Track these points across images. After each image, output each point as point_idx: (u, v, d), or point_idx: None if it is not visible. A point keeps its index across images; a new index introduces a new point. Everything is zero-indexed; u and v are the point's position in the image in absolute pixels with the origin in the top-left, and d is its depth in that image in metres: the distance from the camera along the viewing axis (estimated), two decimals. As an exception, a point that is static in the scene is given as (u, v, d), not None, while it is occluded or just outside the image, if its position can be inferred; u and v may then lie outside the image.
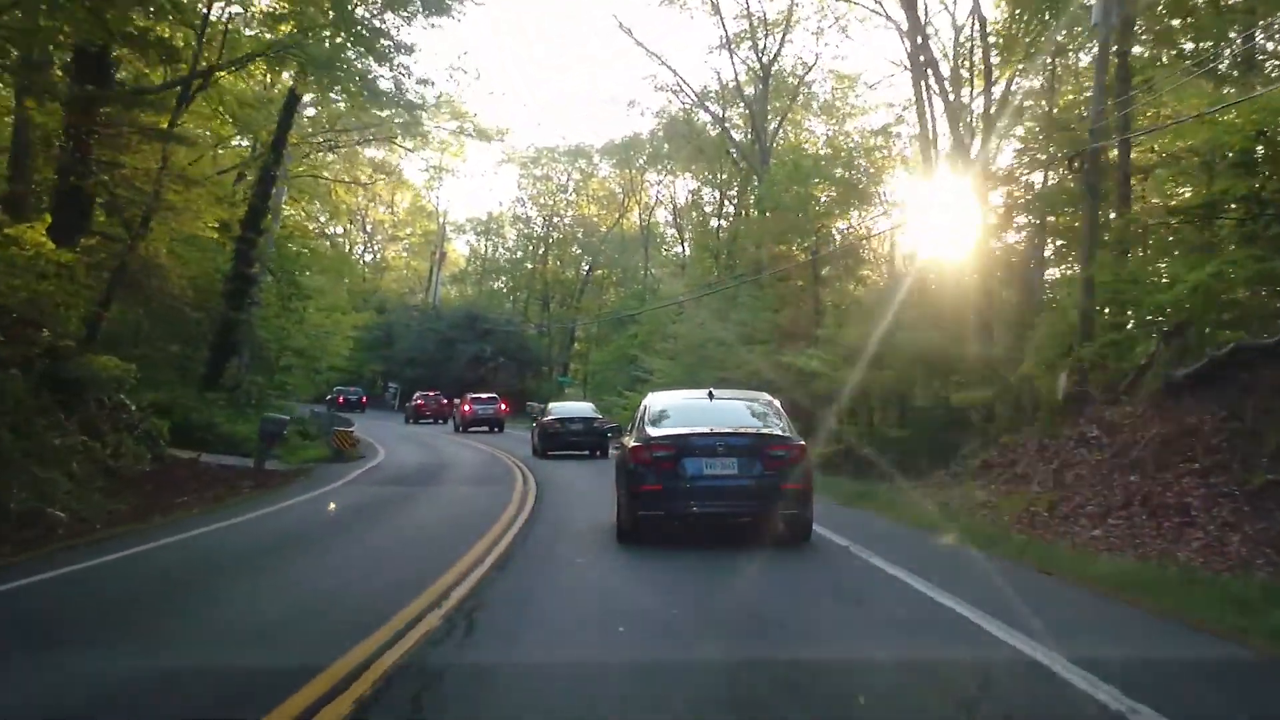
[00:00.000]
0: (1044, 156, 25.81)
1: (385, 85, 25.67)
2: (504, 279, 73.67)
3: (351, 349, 45.96)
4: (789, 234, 36.56)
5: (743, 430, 10.55)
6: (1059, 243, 26.47)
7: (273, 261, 29.20)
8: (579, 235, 72.36)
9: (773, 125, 42.33)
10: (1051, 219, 25.99)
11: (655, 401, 11.64)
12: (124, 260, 18.40)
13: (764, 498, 10.10)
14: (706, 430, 10.31)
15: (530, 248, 73.54)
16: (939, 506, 13.93)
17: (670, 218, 65.75)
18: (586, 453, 26.04)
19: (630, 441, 10.95)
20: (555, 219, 72.98)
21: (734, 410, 11.35)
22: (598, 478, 17.94)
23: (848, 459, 25.99)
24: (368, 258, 77.96)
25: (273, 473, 19.29)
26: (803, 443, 10.53)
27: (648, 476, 10.14)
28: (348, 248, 76.47)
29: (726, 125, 43.55)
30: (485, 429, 40.19)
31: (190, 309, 28.78)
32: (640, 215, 67.95)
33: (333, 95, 35.38)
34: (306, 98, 35.68)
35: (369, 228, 76.95)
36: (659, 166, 61.35)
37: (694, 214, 55.21)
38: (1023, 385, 21.72)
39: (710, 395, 11.62)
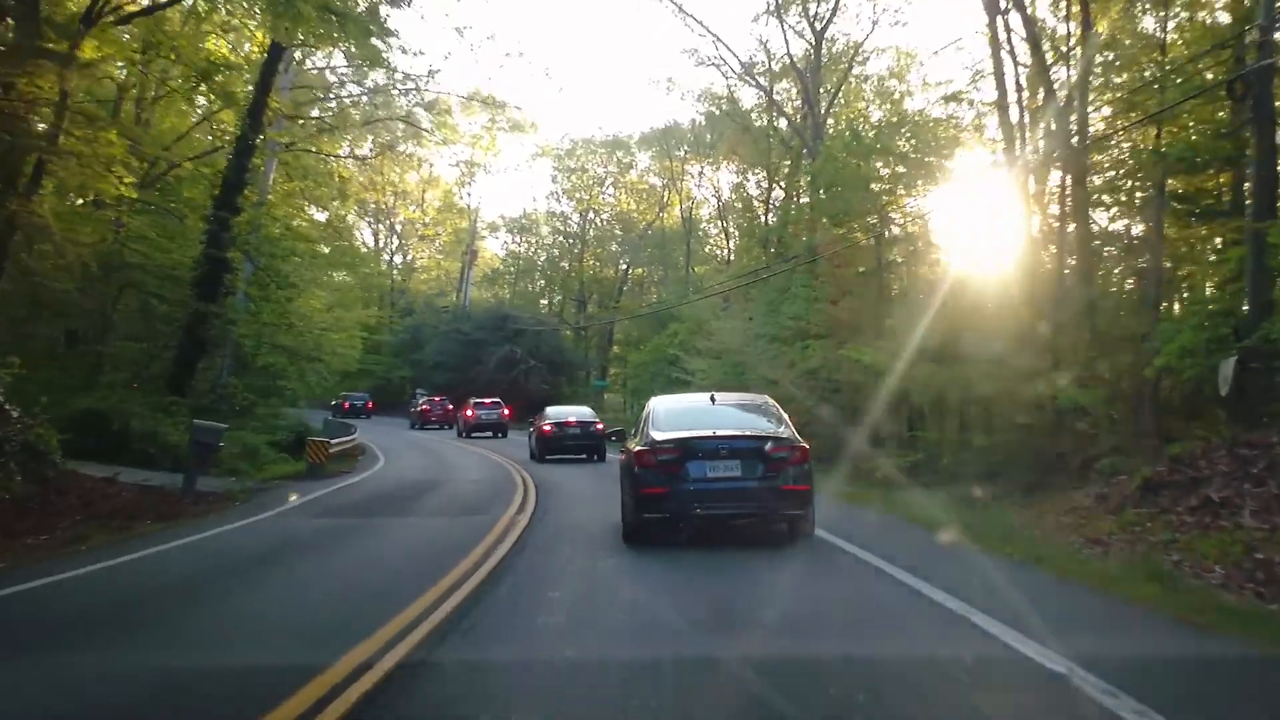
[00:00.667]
0: (1158, 106, 21.23)
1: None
2: (539, 278, 69.74)
3: (361, 350, 41.92)
4: (847, 215, 32.15)
5: (745, 433, 10.69)
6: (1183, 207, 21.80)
7: (250, 246, 25.32)
8: (616, 232, 68.32)
9: (826, 101, 37.95)
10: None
11: (659, 405, 11.75)
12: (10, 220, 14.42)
13: (767, 499, 10.25)
14: (709, 433, 10.43)
15: (566, 245, 69.59)
16: (1092, 547, 9.65)
17: (713, 210, 61.67)
18: (584, 457, 25.74)
19: (635, 445, 11.01)
20: (591, 214, 69.01)
21: (736, 413, 11.54)
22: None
23: (925, 471, 21.76)
24: (398, 259, 74.58)
25: (203, 494, 15.32)
26: (804, 445, 10.60)
27: (652, 479, 10.28)
28: (376, 247, 73.15)
29: (775, 99, 39.20)
30: (489, 434, 39.26)
31: (158, 300, 25.29)
32: (682, 207, 63.74)
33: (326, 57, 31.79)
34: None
35: (398, 227, 73.49)
36: (701, 154, 57.11)
37: (738, 203, 50.88)
38: (1139, 382, 17.33)
39: (713, 399, 11.83)
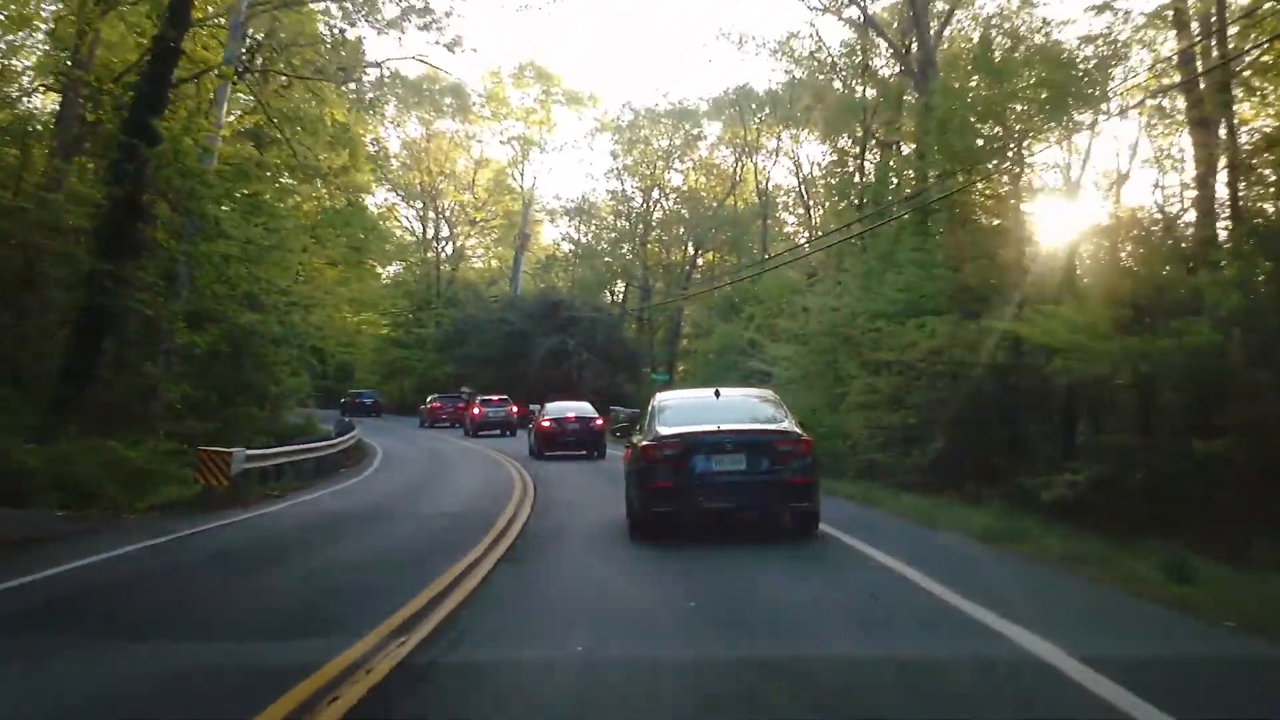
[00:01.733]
0: None
1: None
2: (599, 264, 62.95)
3: (378, 337, 35.82)
4: (970, 156, 24.85)
5: (750, 427, 10.75)
6: None
7: (172, 184, 18.79)
8: (684, 214, 61.23)
9: (938, 23, 30.54)
10: None
11: (664, 401, 11.87)
12: None
13: (772, 492, 10.38)
14: (714, 428, 10.49)
15: (628, 228, 62.76)
16: None
17: (792, 186, 54.38)
18: (584, 453, 25.29)
19: (641, 440, 11.09)
20: (656, 193, 62.03)
21: (740, 407, 11.62)
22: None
23: (1120, 498, 14.72)
24: (447, 249, 68.44)
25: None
26: (809, 437, 10.75)
27: (658, 474, 10.42)
28: (423, 235, 67.15)
29: (871, 17, 31.88)
30: (496, 433, 37.70)
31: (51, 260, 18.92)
32: (757, 180, 56.54)
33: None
34: None
35: (446, 212, 67.37)
36: (779, 118, 49.86)
37: (825, 168, 43.61)
38: None
39: (717, 393, 11.87)
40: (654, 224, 61.88)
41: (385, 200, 65.75)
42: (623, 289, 63.98)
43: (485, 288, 62.84)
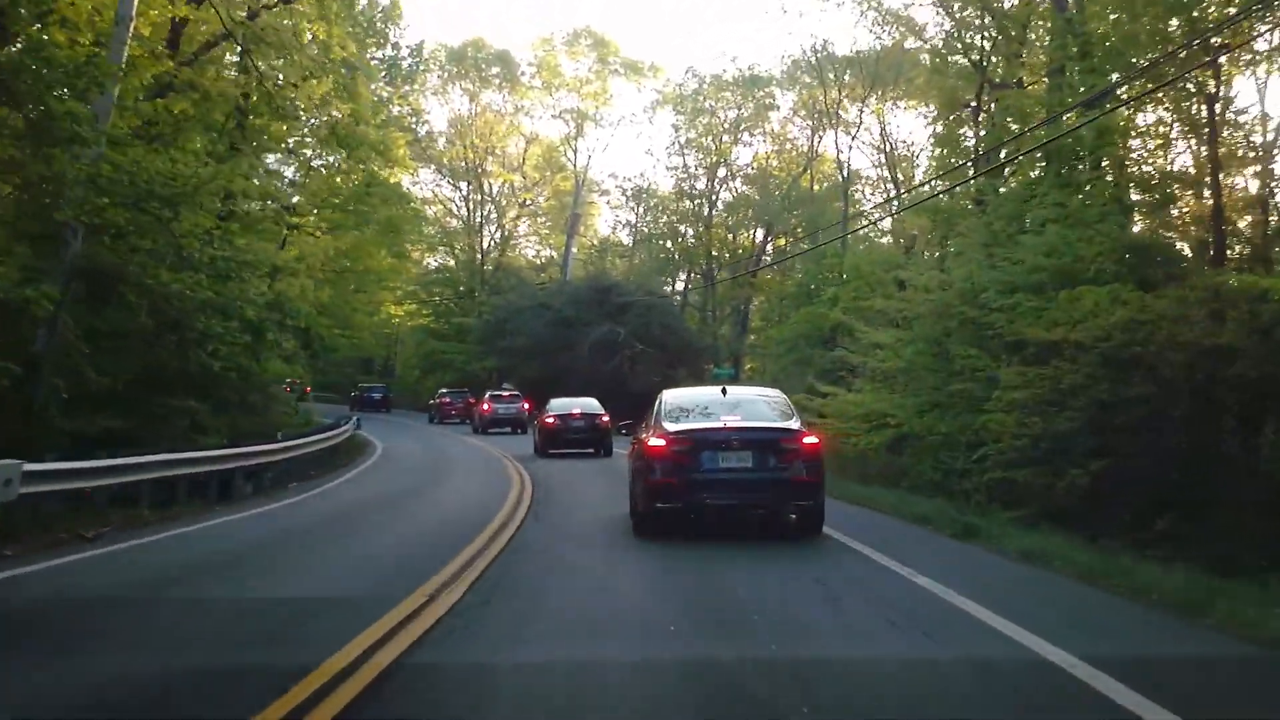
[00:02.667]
0: None
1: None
2: (656, 249, 57.10)
3: (378, 313, 30.54)
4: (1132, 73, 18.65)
5: (757, 425, 10.69)
6: None
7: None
8: (753, 196, 55.13)
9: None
10: None
11: (671, 398, 11.77)
12: None
13: (778, 490, 10.39)
14: (721, 425, 10.53)
15: (690, 210, 56.83)
16: None
17: (877, 161, 48.07)
18: (591, 450, 24.43)
19: (647, 437, 11.03)
20: (722, 171, 56.01)
21: (747, 405, 11.45)
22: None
23: None
24: (495, 235, 63.07)
25: None
26: (816, 437, 10.61)
27: (665, 470, 10.36)
28: (467, 217, 61.86)
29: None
30: (507, 430, 35.67)
31: None
32: (837, 145, 50.30)
33: None
34: None
35: (494, 194, 62.00)
36: (862, 75, 43.49)
37: (929, 121, 37.18)
38: None
39: (724, 391, 11.74)
40: (719, 205, 55.93)
41: (422, 178, 60.80)
42: (684, 279, 58.11)
43: (533, 275, 57.25)
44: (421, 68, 54.85)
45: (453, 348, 56.15)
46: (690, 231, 56.57)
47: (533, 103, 59.66)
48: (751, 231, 55.47)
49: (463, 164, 59.75)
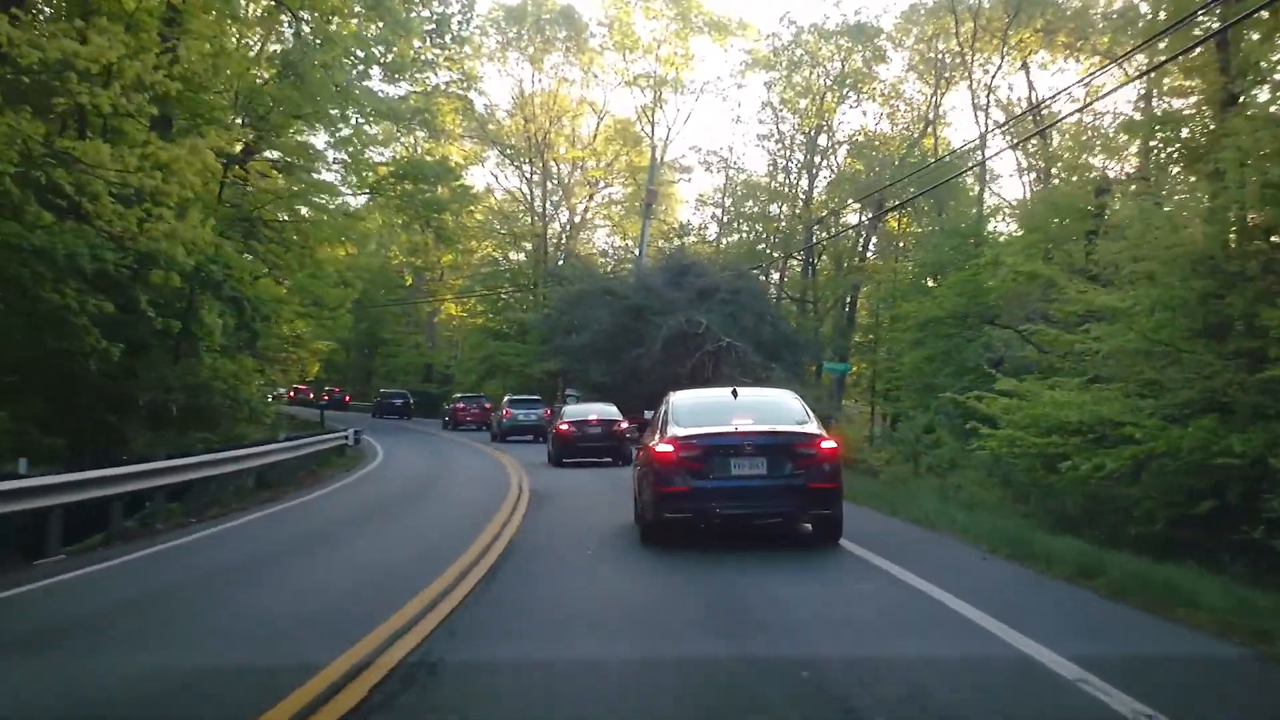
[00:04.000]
0: None
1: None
2: (749, 231, 48.95)
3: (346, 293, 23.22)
4: None
5: (771, 428, 10.06)
6: None
7: None
8: (862, 173, 46.76)
9: None
10: None
11: (678, 401, 11.14)
12: None
13: (794, 498, 9.89)
14: (732, 429, 9.97)
15: (787, 185, 48.66)
16: None
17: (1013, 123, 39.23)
18: (609, 460, 22.69)
19: (653, 443, 10.54)
20: (824, 140, 47.76)
21: (760, 407, 10.89)
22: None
23: None
24: (564, 220, 55.66)
25: None
26: (834, 442, 10.04)
27: (673, 478, 9.90)
28: (529, 200, 54.51)
29: None
30: (528, 438, 32.05)
31: None
32: (972, 94, 41.46)
33: None
34: None
35: (560, 173, 54.48)
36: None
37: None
38: None
39: (734, 393, 11.15)
40: (820, 180, 47.69)
41: (480, 159, 53.77)
42: (778, 265, 49.72)
43: (604, 262, 49.52)
44: (474, 28, 47.73)
45: (512, 348, 48.89)
46: (785, 210, 48.39)
47: (603, 69, 52.17)
48: (860, 210, 46.95)
49: (525, 140, 52.50)
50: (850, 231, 47.97)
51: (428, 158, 44.46)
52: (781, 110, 47.30)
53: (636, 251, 48.49)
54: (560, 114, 52.77)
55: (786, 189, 48.63)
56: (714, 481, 9.74)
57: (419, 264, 60.62)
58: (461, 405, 43.72)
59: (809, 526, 10.53)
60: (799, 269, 48.45)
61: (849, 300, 46.02)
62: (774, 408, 10.99)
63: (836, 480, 9.96)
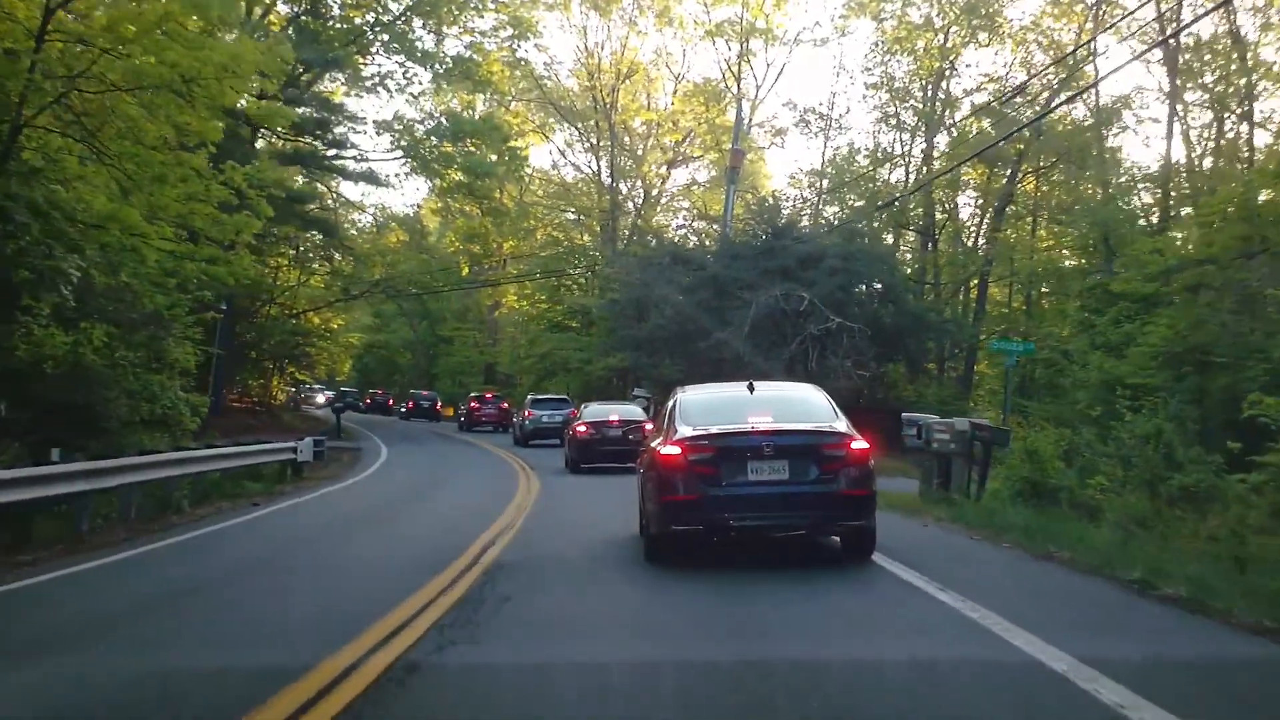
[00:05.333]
0: None
1: None
2: (853, 200, 40.92)
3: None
4: None
5: (794, 427, 8.92)
6: None
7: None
8: (983, 126, 38.59)
9: None
10: None
11: (688, 397, 9.98)
12: None
13: (821, 507, 8.68)
14: (749, 428, 8.83)
15: (899, 145, 40.76)
16: None
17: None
18: (632, 465, 17.74)
19: (659, 445, 9.29)
20: (943, 90, 39.73)
21: (780, 403, 9.74)
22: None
23: None
24: (636, 192, 48.32)
25: None
26: (866, 442, 8.83)
27: (681, 485, 8.68)
28: (595, 171, 47.46)
29: None
30: (554, 442, 26.49)
31: None
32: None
33: None
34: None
35: (622, 136, 47.22)
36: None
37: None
38: None
39: (750, 387, 10.02)
40: (941, 140, 39.64)
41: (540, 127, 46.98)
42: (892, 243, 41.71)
43: (678, 238, 41.97)
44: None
45: (573, 340, 41.92)
46: (898, 177, 40.52)
47: (681, 19, 44.87)
48: (989, 172, 38.82)
49: (590, 102, 45.49)
50: (976, 199, 40.12)
51: (468, 114, 37.85)
52: (895, 54, 39.35)
53: (719, 227, 40.88)
54: (631, 71, 45.62)
55: (899, 150, 40.71)
56: (728, 488, 8.55)
57: (477, 250, 54.26)
58: (476, 405, 41.05)
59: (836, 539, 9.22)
60: (913, 244, 40.45)
61: (977, 281, 37.97)
62: (796, 404, 9.73)
63: (869, 486, 8.77)
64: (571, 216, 50.23)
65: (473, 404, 41.53)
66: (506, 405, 40.27)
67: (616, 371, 38.16)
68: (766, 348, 25.42)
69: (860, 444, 8.79)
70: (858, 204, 38.06)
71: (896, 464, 26.02)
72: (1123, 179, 34.99)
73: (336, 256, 41.83)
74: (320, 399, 59.23)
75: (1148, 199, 32.29)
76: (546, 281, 46.05)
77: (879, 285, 26.54)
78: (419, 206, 58.72)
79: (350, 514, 13.71)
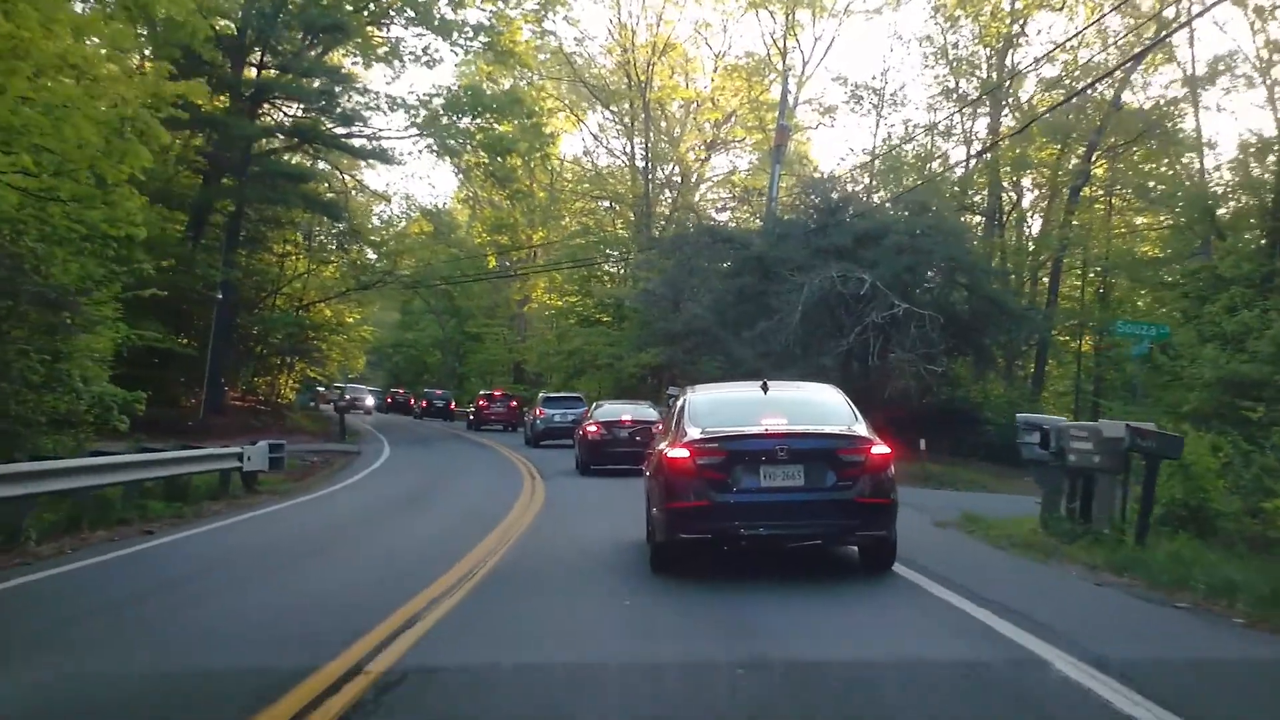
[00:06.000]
0: None
1: None
2: (908, 179, 37.30)
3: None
4: None
5: (810, 430, 8.36)
6: None
7: None
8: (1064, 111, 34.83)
9: None
10: None
11: (698, 397, 9.33)
12: None
13: (838, 515, 8.12)
14: (762, 430, 8.24)
15: (961, 124, 37.15)
16: None
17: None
18: (642, 467, 15.93)
19: (666, 447, 8.71)
20: (1015, 46, 36.10)
21: (795, 404, 9.17)
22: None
23: None
24: (674, 175, 44.96)
25: None
26: (886, 447, 8.35)
27: (689, 491, 8.10)
28: (629, 152, 44.27)
29: None
30: (568, 442, 24.41)
31: None
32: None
33: None
34: None
35: (666, 119, 43.93)
36: None
37: None
38: None
39: (764, 387, 9.43)
40: (1009, 112, 35.94)
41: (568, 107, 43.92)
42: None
43: (719, 222, 38.56)
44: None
45: (601, 334, 38.75)
46: (961, 157, 36.90)
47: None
48: (1060, 151, 35.15)
49: (624, 79, 42.28)
50: (1044, 181, 36.46)
51: (489, 85, 34.75)
52: (957, 21, 35.78)
53: (764, 204, 37.41)
54: (667, 47, 42.33)
55: (959, 127, 37.11)
56: (739, 495, 8.00)
57: (505, 241, 51.31)
58: (484, 403, 40.04)
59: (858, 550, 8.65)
60: (975, 227, 36.84)
61: (1051, 267, 34.34)
62: (812, 405, 9.14)
63: (890, 494, 8.28)
64: (604, 205, 47.11)
65: (481, 402, 40.44)
66: (516, 404, 39.29)
67: (650, 369, 34.97)
68: (820, 339, 22.06)
69: (881, 449, 8.31)
70: (916, 184, 34.49)
71: (974, 474, 22.63)
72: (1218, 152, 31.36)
73: (351, 246, 39.06)
74: (369, 400, 54.81)
75: (1256, 172, 28.54)
76: (576, 273, 42.82)
77: (950, 265, 22.90)
78: (442, 201, 55.99)
79: (272, 547, 10.36)
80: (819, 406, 9.14)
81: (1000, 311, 23.82)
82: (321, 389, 56.42)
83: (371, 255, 41.27)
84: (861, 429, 8.58)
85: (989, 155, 34.62)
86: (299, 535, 11.42)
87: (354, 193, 36.98)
